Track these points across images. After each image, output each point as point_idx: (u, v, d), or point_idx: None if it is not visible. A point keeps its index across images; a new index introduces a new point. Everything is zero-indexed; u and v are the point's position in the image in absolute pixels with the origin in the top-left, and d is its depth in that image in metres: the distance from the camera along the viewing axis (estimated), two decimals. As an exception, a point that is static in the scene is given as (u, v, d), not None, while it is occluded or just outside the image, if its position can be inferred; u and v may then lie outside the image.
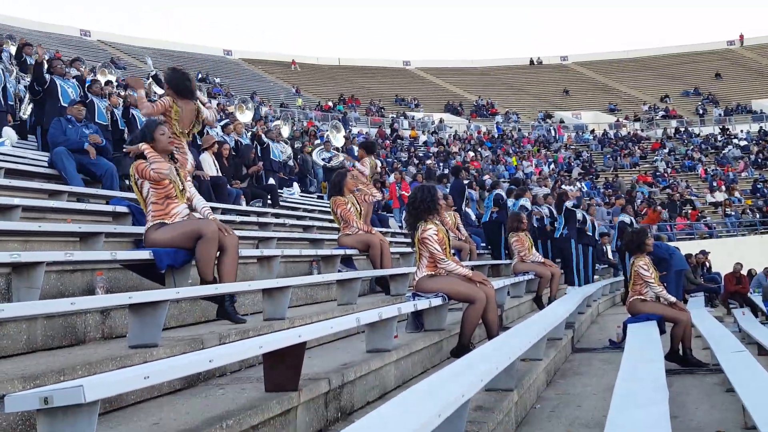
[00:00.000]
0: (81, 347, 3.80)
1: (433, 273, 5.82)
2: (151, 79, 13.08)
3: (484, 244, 13.06)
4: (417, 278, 5.85)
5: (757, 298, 15.47)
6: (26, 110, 10.69)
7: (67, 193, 6.93)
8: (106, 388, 2.30)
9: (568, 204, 13.06)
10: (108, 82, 12.93)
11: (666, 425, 2.71)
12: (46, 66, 9.82)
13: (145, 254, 4.53)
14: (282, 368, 3.46)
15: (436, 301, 5.64)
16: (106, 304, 3.81)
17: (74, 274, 4.63)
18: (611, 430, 2.70)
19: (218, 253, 4.80)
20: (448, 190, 13.21)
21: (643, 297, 7.09)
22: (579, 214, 13.32)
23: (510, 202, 12.98)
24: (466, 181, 14.74)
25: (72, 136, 7.73)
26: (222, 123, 12.92)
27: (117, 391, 2.44)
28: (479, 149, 37.38)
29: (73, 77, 10.57)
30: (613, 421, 2.87)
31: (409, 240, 6.21)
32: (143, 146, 4.89)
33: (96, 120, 9.40)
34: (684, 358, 6.96)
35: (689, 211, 28.34)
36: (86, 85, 10.13)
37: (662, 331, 6.68)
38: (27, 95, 10.73)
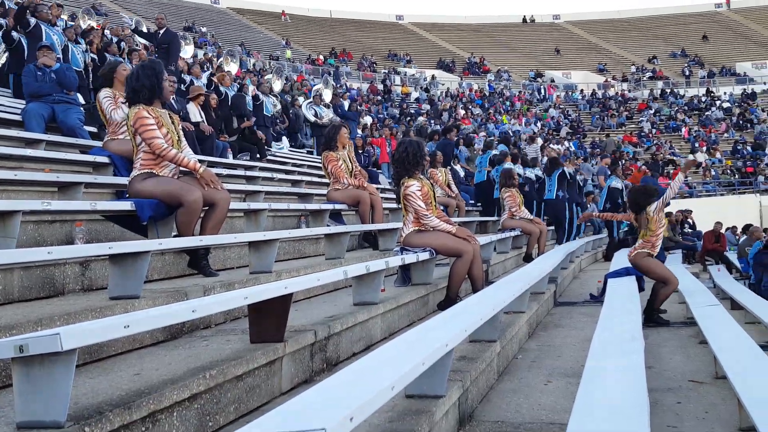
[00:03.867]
0: (60, 299, 3.73)
1: (421, 228, 5.79)
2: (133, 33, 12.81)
3: (473, 202, 13.05)
4: (404, 234, 5.84)
5: (733, 256, 15.91)
6: (0, 58, 10.40)
7: (45, 142, 6.77)
8: (84, 337, 2.24)
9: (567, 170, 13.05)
10: (91, 28, 12.59)
11: (641, 374, 2.76)
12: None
13: (126, 205, 4.37)
14: (268, 320, 3.43)
15: (424, 256, 5.63)
16: (85, 254, 3.72)
17: (53, 225, 4.55)
18: (588, 378, 2.74)
19: (206, 208, 4.64)
20: (435, 147, 13.12)
21: (650, 252, 6.80)
22: (568, 173, 13.29)
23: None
24: (455, 140, 14.72)
25: (43, 83, 7.53)
26: (207, 74, 12.63)
27: (95, 340, 2.38)
28: (470, 107, 37.17)
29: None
30: (591, 369, 2.92)
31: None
32: (143, 113, 4.49)
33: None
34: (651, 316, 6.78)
35: (671, 171, 28.54)
36: (62, 30, 9.90)
37: (641, 289, 6.69)
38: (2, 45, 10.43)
